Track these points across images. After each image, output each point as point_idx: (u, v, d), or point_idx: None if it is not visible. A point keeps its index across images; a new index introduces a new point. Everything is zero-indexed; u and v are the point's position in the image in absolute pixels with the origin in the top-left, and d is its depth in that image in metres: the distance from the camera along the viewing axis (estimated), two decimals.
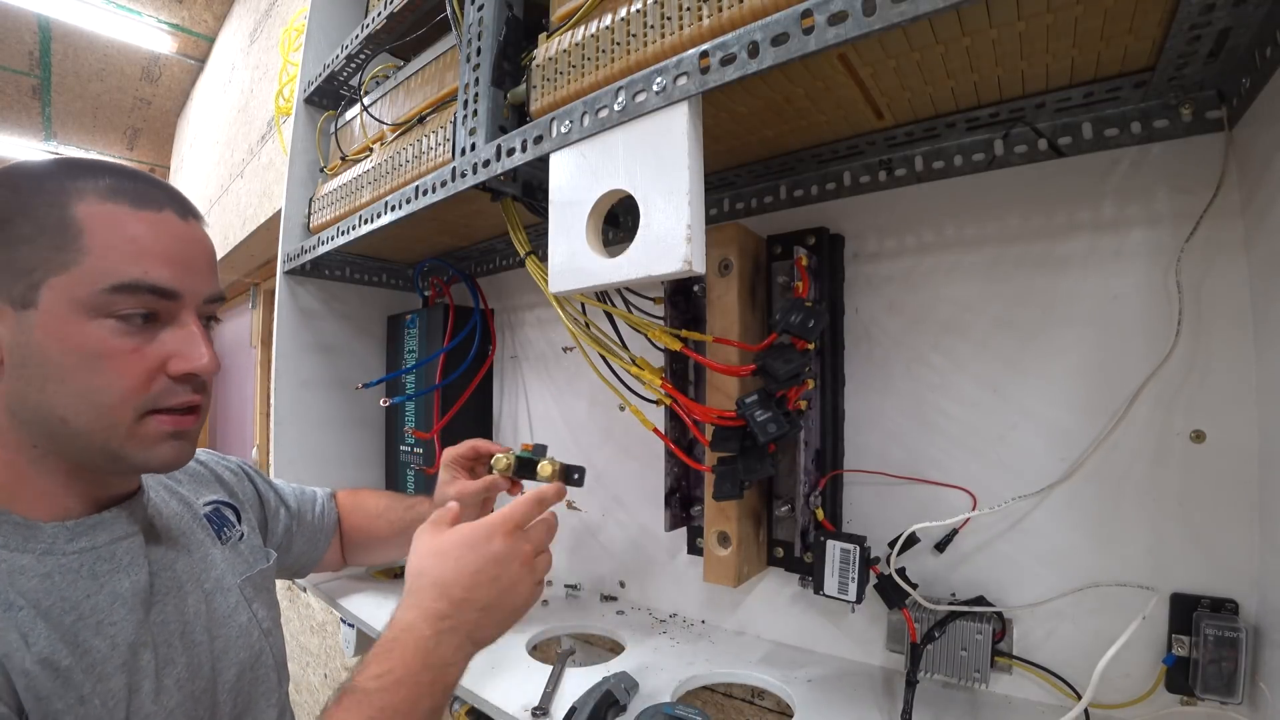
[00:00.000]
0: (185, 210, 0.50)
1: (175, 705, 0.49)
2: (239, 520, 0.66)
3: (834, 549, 0.61)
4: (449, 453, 0.79)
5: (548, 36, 0.61)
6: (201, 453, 0.69)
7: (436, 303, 1.09)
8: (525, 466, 0.73)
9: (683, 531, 0.77)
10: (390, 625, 0.49)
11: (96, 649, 0.45)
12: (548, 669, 0.68)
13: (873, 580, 0.61)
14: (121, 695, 0.45)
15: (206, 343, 0.49)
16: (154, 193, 0.48)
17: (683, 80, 0.46)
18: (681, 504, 0.73)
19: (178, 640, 0.51)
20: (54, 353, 0.44)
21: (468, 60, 0.67)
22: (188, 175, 3.63)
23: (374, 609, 0.86)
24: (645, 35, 0.51)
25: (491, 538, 0.52)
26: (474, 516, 0.80)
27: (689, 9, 0.48)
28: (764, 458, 0.59)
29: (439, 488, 0.79)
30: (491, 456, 0.77)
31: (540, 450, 0.74)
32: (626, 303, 0.69)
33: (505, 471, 0.74)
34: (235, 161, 2.54)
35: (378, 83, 0.94)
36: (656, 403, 0.66)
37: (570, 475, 0.71)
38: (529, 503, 0.56)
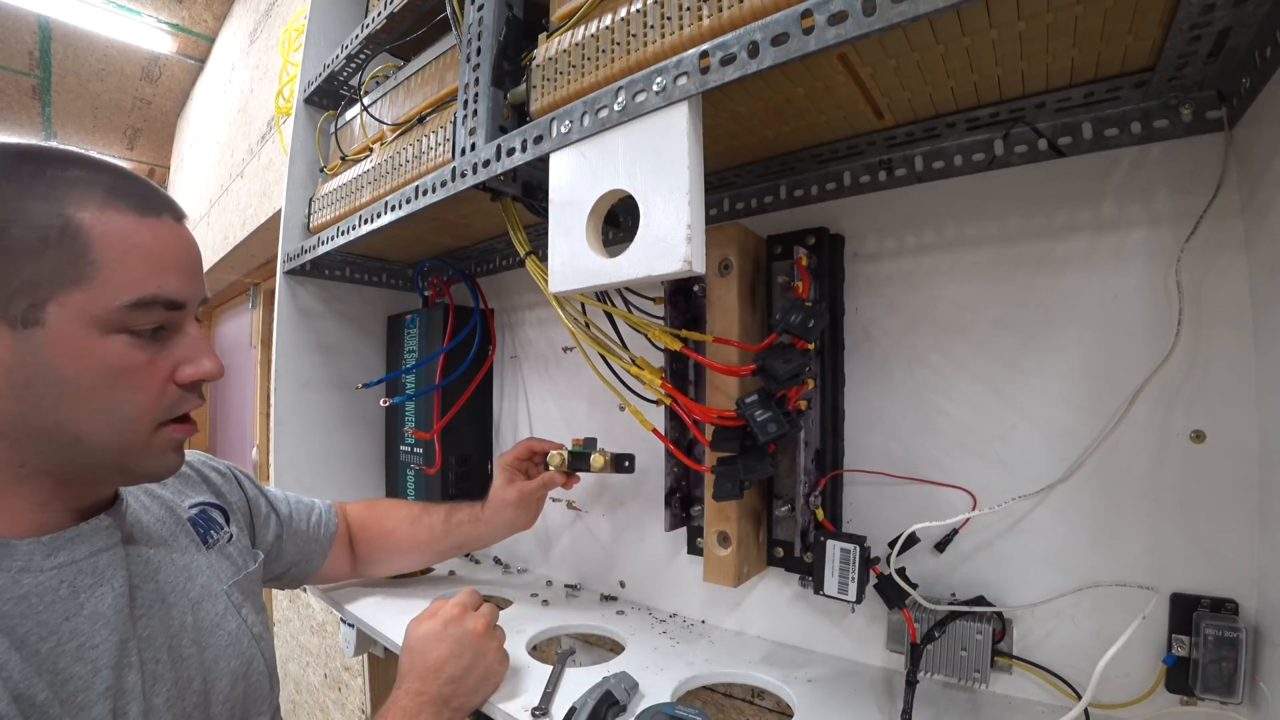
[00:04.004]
0: (178, 213, 0.49)
1: None
2: (227, 521, 0.64)
3: (834, 549, 0.61)
4: (503, 458, 0.83)
5: (548, 36, 0.61)
6: (190, 454, 0.67)
7: (436, 303, 1.09)
8: (578, 460, 0.77)
9: (683, 531, 0.77)
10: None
11: (77, 675, 0.43)
12: (548, 669, 0.68)
13: (873, 580, 0.61)
14: None
15: (209, 349, 0.49)
16: (152, 196, 0.47)
17: (683, 80, 0.46)
18: (681, 504, 0.73)
19: (165, 655, 0.50)
20: (69, 372, 0.42)
21: (468, 60, 0.67)
22: (187, 175, 3.62)
23: (374, 609, 0.85)
24: (645, 35, 0.51)
25: (448, 625, 0.63)
26: (531, 515, 0.84)
27: (689, 9, 0.48)
28: (764, 458, 0.59)
29: (495, 490, 0.81)
30: (545, 453, 0.80)
31: (591, 443, 0.78)
32: (626, 303, 0.69)
33: (561, 468, 0.78)
34: (235, 161, 2.54)
35: (378, 83, 0.94)
36: (656, 403, 0.66)
37: (621, 464, 0.76)
38: (469, 592, 0.68)
